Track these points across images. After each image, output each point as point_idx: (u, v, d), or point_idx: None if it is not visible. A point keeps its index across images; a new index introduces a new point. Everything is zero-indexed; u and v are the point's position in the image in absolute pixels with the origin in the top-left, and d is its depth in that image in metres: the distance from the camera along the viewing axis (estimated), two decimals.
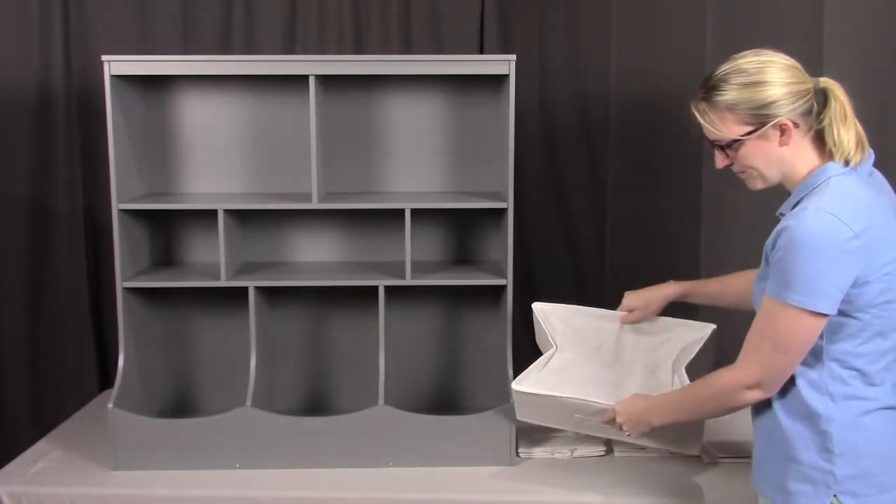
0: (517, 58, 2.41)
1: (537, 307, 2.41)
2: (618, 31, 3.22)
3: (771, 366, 1.71)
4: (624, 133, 3.28)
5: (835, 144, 1.72)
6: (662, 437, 2.14)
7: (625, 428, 2.06)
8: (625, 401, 2.08)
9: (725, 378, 1.79)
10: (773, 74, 1.71)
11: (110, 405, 2.39)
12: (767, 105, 1.71)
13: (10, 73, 3.24)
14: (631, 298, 2.38)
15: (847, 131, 1.72)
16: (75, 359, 3.38)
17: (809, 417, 1.71)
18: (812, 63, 2.68)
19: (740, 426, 2.52)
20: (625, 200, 3.32)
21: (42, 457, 2.46)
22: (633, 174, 3.27)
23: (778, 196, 1.86)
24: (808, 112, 1.72)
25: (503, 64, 2.42)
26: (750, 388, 1.74)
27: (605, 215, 3.33)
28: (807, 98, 1.72)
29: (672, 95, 3.18)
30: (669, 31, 3.19)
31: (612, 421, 2.10)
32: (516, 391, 2.23)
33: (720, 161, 1.81)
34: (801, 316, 1.65)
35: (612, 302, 3.35)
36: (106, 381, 3.32)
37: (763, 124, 1.72)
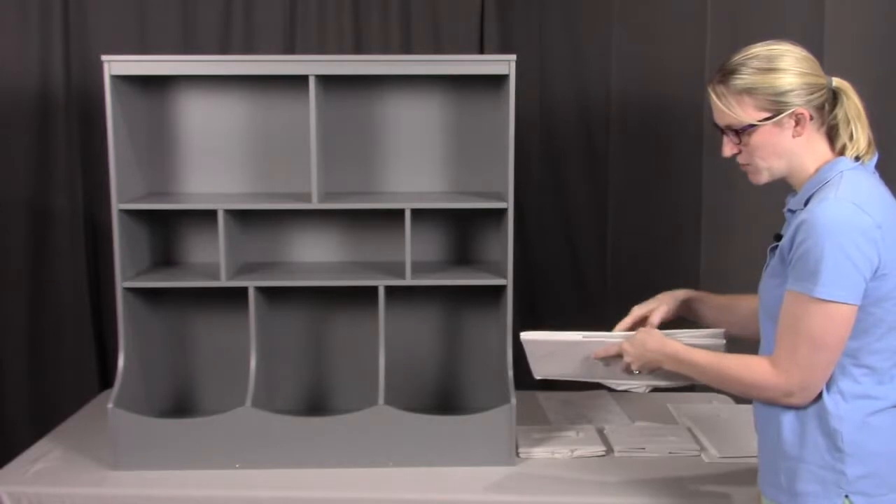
0: (517, 58, 2.41)
1: (526, 339, 2.19)
2: (618, 31, 3.22)
3: (813, 368, 1.66)
4: (624, 133, 3.28)
5: (850, 140, 1.73)
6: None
7: (634, 367, 1.94)
8: (634, 338, 1.95)
9: (764, 377, 1.70)
10: (790, 63, 1.72)
11: (110, 405, 2.38)
12: (785, 93, 1.70)
13: (10, 73, 3.24)
14: (639, 307, 2.19)
15: (863, 129, 1.73)
16: (75, 359, 3.38)
17: (819, 417, 1.70)
18: None
19: (738, 425, 2.52)
20: (625, 200, 3.32)
21: (42, 457, 2.46)
22: (633, 174, 3.27)
23: (779, 194, 1.86)
24: (822, 106, 1.73)
25: (503, 64, 2.42)
26: (791, 394, 1.69)
27: (606, 215, 3.33)
28: (822, 92, 1.72)
29: (672, 95, 3.18)
30: (669, 31, 3.19)
31: (618, 356, 1.99)
32: (525, 340, 2.12)
33: (729, 148, 1.79)
34: (833, 308, 1.63)
35: (612, 302, 3.36)
36: (106, 381, 3.32)
37: (780, 112, 1.71)
